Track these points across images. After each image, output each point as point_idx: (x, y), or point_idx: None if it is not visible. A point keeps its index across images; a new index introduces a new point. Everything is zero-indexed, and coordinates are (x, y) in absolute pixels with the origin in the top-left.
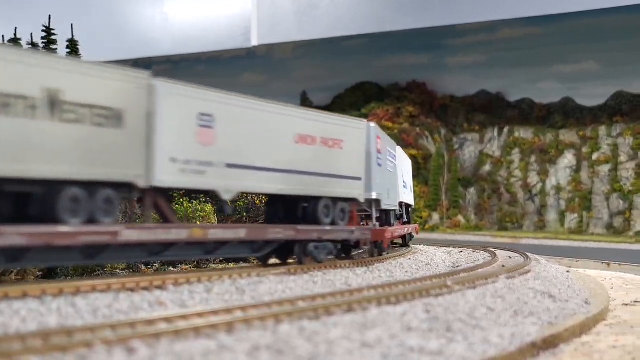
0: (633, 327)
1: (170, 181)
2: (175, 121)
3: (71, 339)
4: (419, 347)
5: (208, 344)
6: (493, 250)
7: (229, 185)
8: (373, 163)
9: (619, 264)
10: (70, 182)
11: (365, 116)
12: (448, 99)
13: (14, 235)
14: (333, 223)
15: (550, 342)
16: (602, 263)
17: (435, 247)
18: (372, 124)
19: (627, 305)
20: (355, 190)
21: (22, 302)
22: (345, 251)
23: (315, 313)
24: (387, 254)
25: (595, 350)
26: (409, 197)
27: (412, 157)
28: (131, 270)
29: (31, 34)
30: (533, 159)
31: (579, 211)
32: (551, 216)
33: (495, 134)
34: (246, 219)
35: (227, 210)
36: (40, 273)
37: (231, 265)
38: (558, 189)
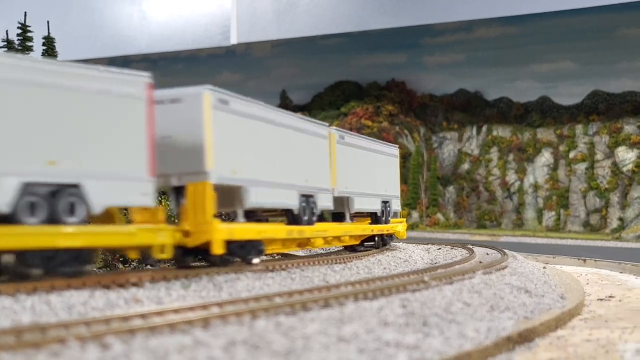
0: (607, 322)
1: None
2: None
3: (44, 336)
4: (395, 341)
5: (183, 340)
6: (471, 247)
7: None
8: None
9: (595, 261)
10: None
11: (345, 115)
12: (427, 98)
13: None
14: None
15: (526, 336)
16: (579, 259)
17: (414, 245)
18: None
19: (601, 300)
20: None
21: None
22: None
23: (292, 308)
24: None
25: (569, 344)
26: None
27: None
28: (107, 269)
29: (6, 30)
30: (511, 157)
31: (557, 209)
32: (529, 214)
33: (474, 132)
34: None
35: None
36: None
37: None
38: (536, 187)
